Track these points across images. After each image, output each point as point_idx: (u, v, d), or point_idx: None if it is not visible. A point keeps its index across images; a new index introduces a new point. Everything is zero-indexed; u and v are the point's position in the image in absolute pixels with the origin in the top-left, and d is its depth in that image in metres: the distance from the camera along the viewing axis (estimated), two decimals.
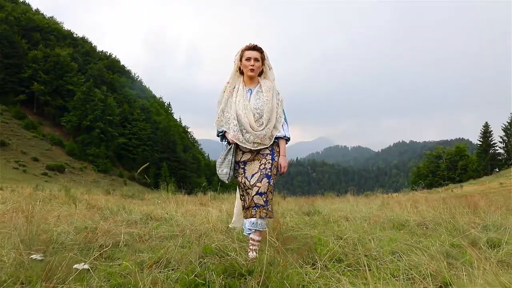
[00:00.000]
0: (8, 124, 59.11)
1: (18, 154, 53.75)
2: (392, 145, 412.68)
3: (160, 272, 1.78)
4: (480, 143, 61.76)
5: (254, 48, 2.66)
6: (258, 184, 2.45)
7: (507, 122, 58.47)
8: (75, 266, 1.54)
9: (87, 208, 5.07)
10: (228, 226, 3.42)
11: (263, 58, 2.69)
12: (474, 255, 1.64)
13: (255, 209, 2.42)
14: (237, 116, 2.55)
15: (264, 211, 2.40)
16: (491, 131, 61.65)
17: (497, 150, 60.24)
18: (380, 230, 3.09)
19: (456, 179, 55.91)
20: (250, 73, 2.63)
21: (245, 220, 2.49)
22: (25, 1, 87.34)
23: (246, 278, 1.75)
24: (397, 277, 1.67)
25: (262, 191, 2.44)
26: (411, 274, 1.66)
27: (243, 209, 2.55)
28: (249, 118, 2.53)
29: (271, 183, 2.48)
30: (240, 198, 2.65)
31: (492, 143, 60.77)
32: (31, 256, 1.85)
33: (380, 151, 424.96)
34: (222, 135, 2.69)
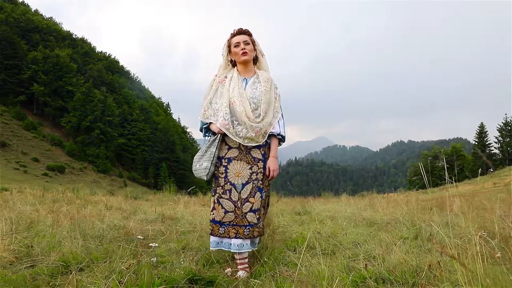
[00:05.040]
0: (8, 125, 59.74)
1: (18, 154, 54.41)
2: (390, 144, 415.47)
3: (187, 256, 2.51)
4: (476, 143, 62.81)
5: (241, 32, 2.33)
6: (251, 200, 2.18)
7: (502, 122, 59.48)
8: (150, 244, 2.25)
9: (106, 209, 5.79)
10: None
11: (253, 42, 2.36)
12: (392, 242, 2.39)
13: (248, 228, 2.15)
14: (230, 104, 2.22)
15: (257, 229, 2.17)
16: (487, 131, 62.66)
17: (493, 150, 61.24)
18: (354, 227, 3.83)
19: (453, 178, 56.73)
20: (244, 57, 2.28)
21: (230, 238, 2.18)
22: (24, 2, 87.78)
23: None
24: (350, 258, 2.40)
25: (256, 207, 2.18)
26: (362, 256, 2.39)
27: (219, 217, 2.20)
28: (245, 106, 2.20)
29: (264, 197, 2.22)
30: (214, 201, 2.25)
31: (487, 143, 61.78)
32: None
33: (378, 150, 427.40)
34: (207, 128, 2.35)
